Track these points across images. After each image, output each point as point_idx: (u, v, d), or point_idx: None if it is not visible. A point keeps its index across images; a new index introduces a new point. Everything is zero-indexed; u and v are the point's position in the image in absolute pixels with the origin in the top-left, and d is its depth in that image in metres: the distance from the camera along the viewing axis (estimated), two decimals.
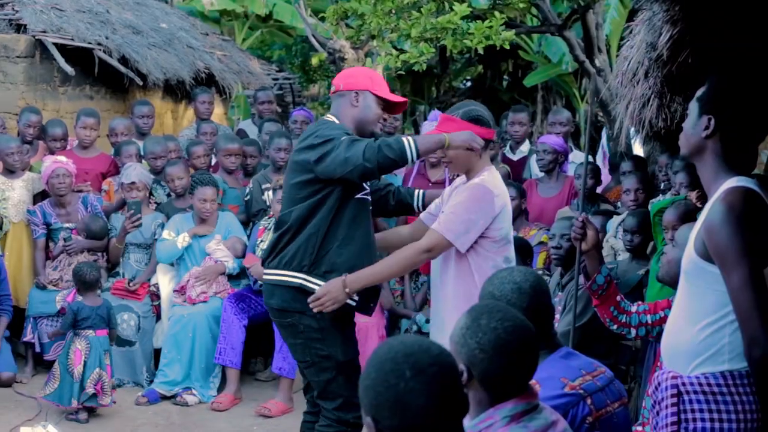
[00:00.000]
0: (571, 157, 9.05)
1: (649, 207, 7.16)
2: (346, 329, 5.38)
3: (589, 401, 3.57)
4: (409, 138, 5.07)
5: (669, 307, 4.39)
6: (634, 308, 4.57)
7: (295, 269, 5.25)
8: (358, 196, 5.29)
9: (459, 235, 4.98)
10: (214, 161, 9.45)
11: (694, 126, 3.59)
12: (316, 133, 5.21)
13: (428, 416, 2.43)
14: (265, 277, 5.43)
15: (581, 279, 4.65)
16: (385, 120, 8.13)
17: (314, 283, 5.20)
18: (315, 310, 5.12)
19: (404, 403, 2.42)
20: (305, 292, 5.21)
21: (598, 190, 8.47)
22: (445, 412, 2.45)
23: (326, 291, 5.10)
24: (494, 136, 5.32)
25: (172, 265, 8.41)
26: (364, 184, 5.31)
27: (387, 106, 5.50)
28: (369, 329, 7.61)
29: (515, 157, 9.28)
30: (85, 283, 7.58)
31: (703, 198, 5.06)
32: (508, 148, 9.41)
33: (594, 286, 4.47)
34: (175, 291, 8.19)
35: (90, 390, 7.34)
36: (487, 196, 5.02)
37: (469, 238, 4.99)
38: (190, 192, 8.30)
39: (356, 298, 5.21)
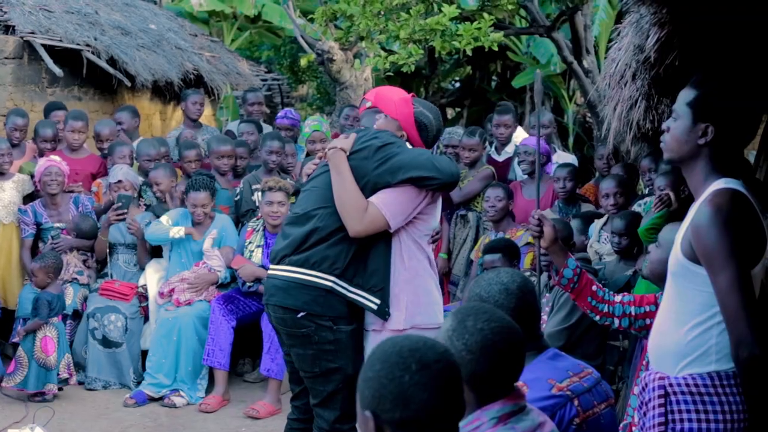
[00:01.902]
0: (554, 158, 9.06)
1: (638, 209, 7.17)
2: (360, 342, 5.33)
3: (576, 402, 3.57)
4: None
5: (655, 302, 4.39)
6: (618, 298, 4.55)
7: (325, 271, 5.20)
8: None
9: None
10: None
11: (687, 133, 3.56)
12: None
13: (429, 412, 2.43)
14: (283, 274, 5.29)
15: (542, 276, 4.67)
16: None
17: (344, 288, 5.18)
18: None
19: (407, 397, 2.42)
20: (333, 294, 5.18)
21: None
22: (446, 409, 2.46)
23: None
24: (426, 147, 5.47)
25: (161, 256, 8.42)
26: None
27: None
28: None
29: (500, 159, 9.28)
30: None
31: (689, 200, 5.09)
32: (493, 149, 9.41)
33: (564, 280, 4.45)
34: (160, 294, 8.16)
35: (64, 375, 7.81)
36: None
37: None
38: (185, 194, 8.29)
39: (377, 301, 5.20)
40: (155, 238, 8.29)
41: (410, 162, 5.16)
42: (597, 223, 7.40)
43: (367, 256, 5.22)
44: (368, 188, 5.21)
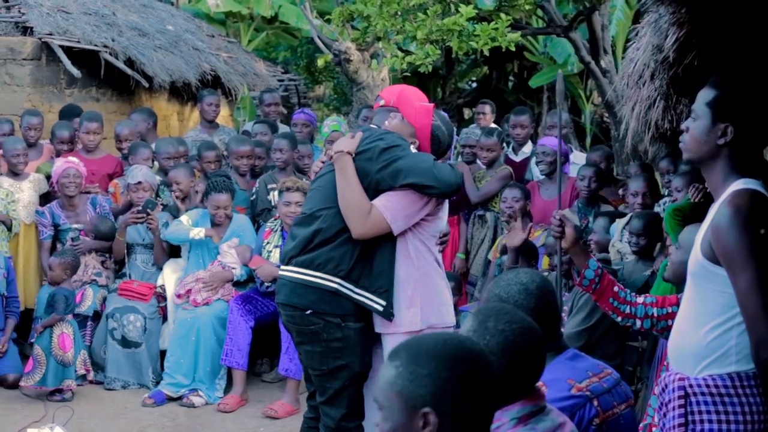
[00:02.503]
0: (572, 158, 9.04)
1: (657, 209, 7.16)
2: (368, 339, 5.35)
3: (595, 403, 3.56)
4: None
5: (677, 303, 4.38)
6: (640, 299, 4.54)
7: (330, 273, 5.22)
8: None
9: None
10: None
11: (707, 133, 3.55)
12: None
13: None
14: (290, 275, 5.32)
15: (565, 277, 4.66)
16: None
17: (349, 289, 5.20)
18: None
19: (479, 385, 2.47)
20: (338, 295, 5.21)
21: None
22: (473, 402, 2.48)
23: None
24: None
25: (179, 256, 8.45)
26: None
27: None
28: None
29: (518, 159, 9.28)
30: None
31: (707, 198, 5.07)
32: (510, 149, 9.41)
33: (585, 281, 4.44)
34: (177, 295, 8.17)
35: (81, 371, 7.89)
36: None
37: None
38: (205, 195, 8.29)
39: (383, 302, 5.22)
40: (175, 237, 8.30)
41: (411, 168, 5.15)
42: (619, 223, 7.37)
43: (373, 257, 5.24)
44: (371, 189, 5.22)
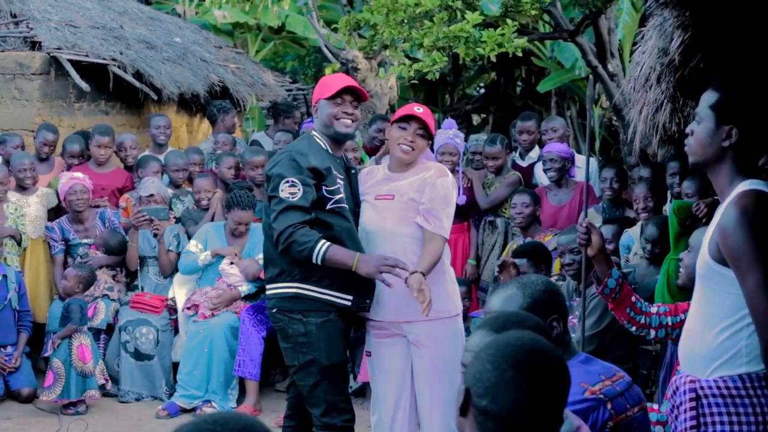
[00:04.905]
0: (578, 161, 9.03)
1: (666, 209, 7.15)
2: (334, 333, 5.44)
3: (609, 406, 3.57)
4: (324, 246, 5.22)
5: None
6: (654, 309, 4.55)
7: (285, 281, 5.42)
8: (329, 207, 5.40)
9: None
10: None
11: (712, 135, 3.55)
12: (273, 168, 5.48)
13: (513, 413, 2.44)
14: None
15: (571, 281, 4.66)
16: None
17: (309, 290, 5.37)
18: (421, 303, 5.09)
19: (500, 391, 2.44)
20: (299, 298, 5.40)
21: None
22: (531, 417, 2.45)
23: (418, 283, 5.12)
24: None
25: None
26: (331, 195, 5.40)
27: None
28: None
29: (524, 164, 9.27)
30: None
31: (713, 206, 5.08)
32: (517, 155, 9.41)
33: (606, 290, 4.46)
34: (186, 309, 8.18)
35: (100, 381, 7.90)
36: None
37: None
38: (226, 209, 8.28)
39: (350, 298, 5.39)
40: (188, 269, 8.31)
41: None
42: (636, 228, 7.35)
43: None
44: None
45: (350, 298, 5.39)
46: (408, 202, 5.47)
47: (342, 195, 5.45)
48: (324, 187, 5.38)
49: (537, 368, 2.46)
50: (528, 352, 2.49)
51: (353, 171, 5.73)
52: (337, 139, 5.57)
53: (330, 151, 5.55)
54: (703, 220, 6.12)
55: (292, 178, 5.29)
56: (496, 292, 3.68)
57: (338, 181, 5.47)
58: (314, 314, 5.40)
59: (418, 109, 5.57)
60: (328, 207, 5.39)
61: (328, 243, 5.23)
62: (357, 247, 5.39)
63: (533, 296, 3.56)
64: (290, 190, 5.29)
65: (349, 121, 5.50)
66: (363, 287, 5.40)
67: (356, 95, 5.56)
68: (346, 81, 5.61)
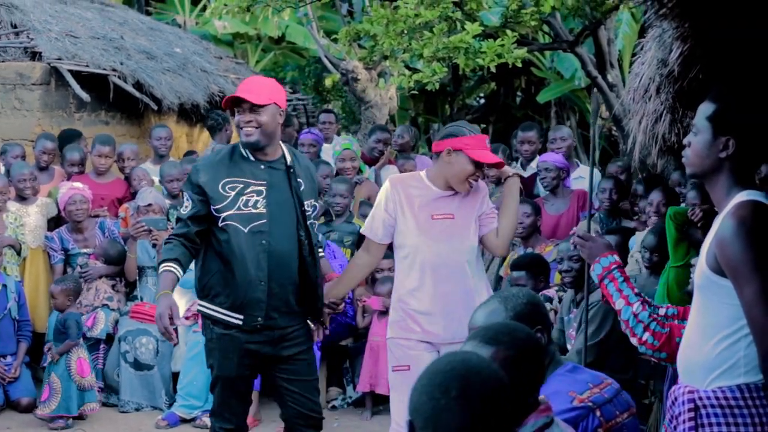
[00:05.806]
0: (578, 171, 9.04)
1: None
2: (229, 347, 5.47)
3: (598, 413, 3.58)
4: (161, 268, 5.39)
5: None
6: (662, 311, 4.54)
7: (198, 296, 5.63)
8: (220, 225, 5.36)
9: None
10: None
11: (709, 146, 3.56)
12: None
13: None
14: None
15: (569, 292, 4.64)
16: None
17: (205, 306, 5.52)
18: None
19: (438, 420, 2.42)
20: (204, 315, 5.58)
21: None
22: None
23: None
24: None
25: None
26: (217, 213, 5.35)
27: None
28: (380, 349, 7.56)
29: (526, 174, 9.27)
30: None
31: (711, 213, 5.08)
32: (518, 165, 9.42)
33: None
34: (185, 318, 8.18)
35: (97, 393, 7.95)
36: None
37: None
38: None
39: (241, 317, 5.41)
40: (188, 281, 8.30)
41: None
42: (638, 236, 7.36)
43: (231, 269, 5.41)
44: None
45: (241, 317, 5.42)
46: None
47: (231, 212, 5.35)
48: (211, 206, 5.36)
49: (468, 388, 2.44)
50: (457, 376, 2.46)
51: (292, 170, 5.47)
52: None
53: (252, 158, 5.41)
54: (699, 225, 6.13)
55: (187, 191, 5.46)
56: (479, 307, 3.68)
57: (247, 191, 5.37)
58: (218, 325, 5.49)
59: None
60: (219, 224, 5.38)
61: (168, 266, 5.33)
62: (243, 265, 5.36)
63: (515, 309, 3.55)
64: (185, 203, 5.46)
65: (250, 129, 5.31)
66: (249, 307, 5.41)
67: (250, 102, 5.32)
68: (237, 91, 5.44)
